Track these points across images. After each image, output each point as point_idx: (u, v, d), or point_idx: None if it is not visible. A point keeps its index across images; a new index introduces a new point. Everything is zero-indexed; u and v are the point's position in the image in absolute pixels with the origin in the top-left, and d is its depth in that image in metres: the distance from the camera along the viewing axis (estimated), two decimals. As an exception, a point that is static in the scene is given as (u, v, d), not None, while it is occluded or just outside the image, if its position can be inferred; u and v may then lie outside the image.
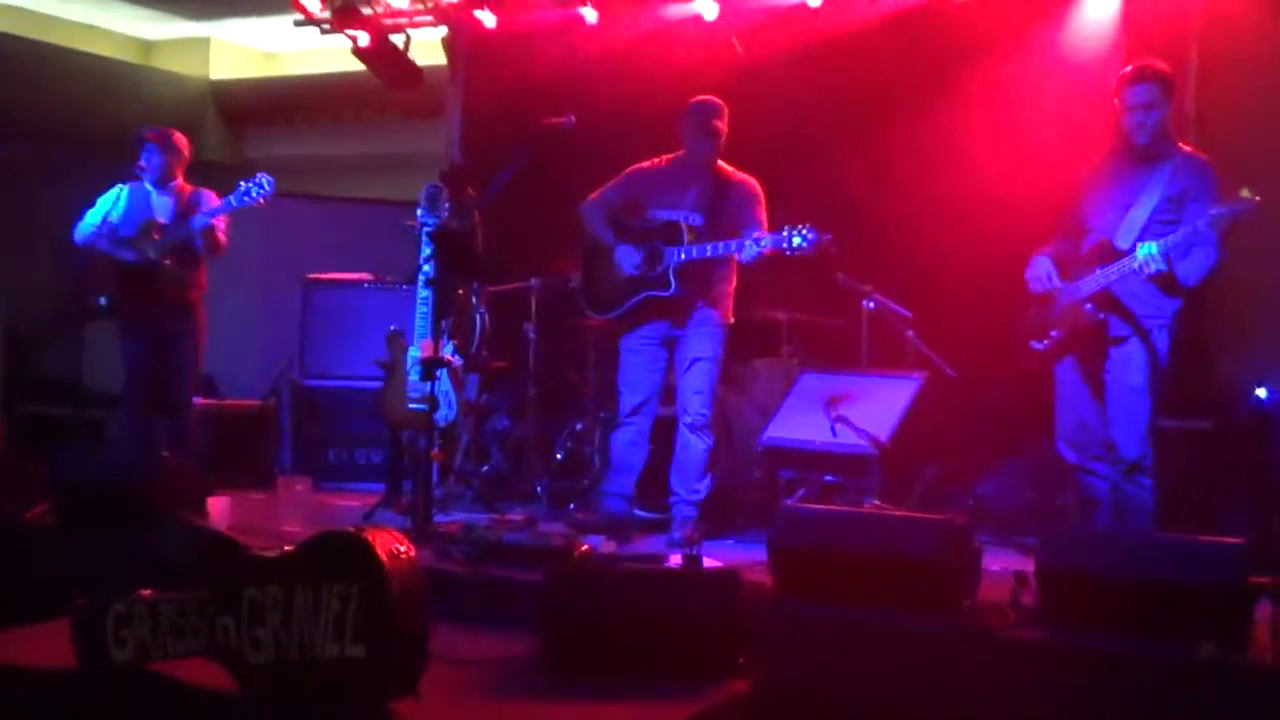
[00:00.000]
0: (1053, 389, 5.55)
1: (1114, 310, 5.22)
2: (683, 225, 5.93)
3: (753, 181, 6.07)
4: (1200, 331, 6.06)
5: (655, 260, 5.94)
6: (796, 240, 5.53)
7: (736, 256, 5.78)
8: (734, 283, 6.12)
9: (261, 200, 6.75)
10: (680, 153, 6.14)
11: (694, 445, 6.05)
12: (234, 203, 6.81)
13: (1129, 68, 5.27)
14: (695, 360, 6.02)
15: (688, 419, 6.05)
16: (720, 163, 6.11)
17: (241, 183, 6.77)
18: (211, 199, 7.02)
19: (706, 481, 6.09)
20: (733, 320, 6.13)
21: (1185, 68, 6.45)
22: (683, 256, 5.87)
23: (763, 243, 5.63)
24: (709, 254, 5.83)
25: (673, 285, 5.90)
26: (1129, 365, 5.22)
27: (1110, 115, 5.34)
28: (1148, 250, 4.96)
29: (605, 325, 6.38)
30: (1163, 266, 4.94)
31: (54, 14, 11.28)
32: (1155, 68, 5.22)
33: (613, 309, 6.13)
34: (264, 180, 6.71)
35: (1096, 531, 5.06)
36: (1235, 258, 5.17)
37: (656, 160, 6.22)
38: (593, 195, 6.24)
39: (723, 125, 6.02)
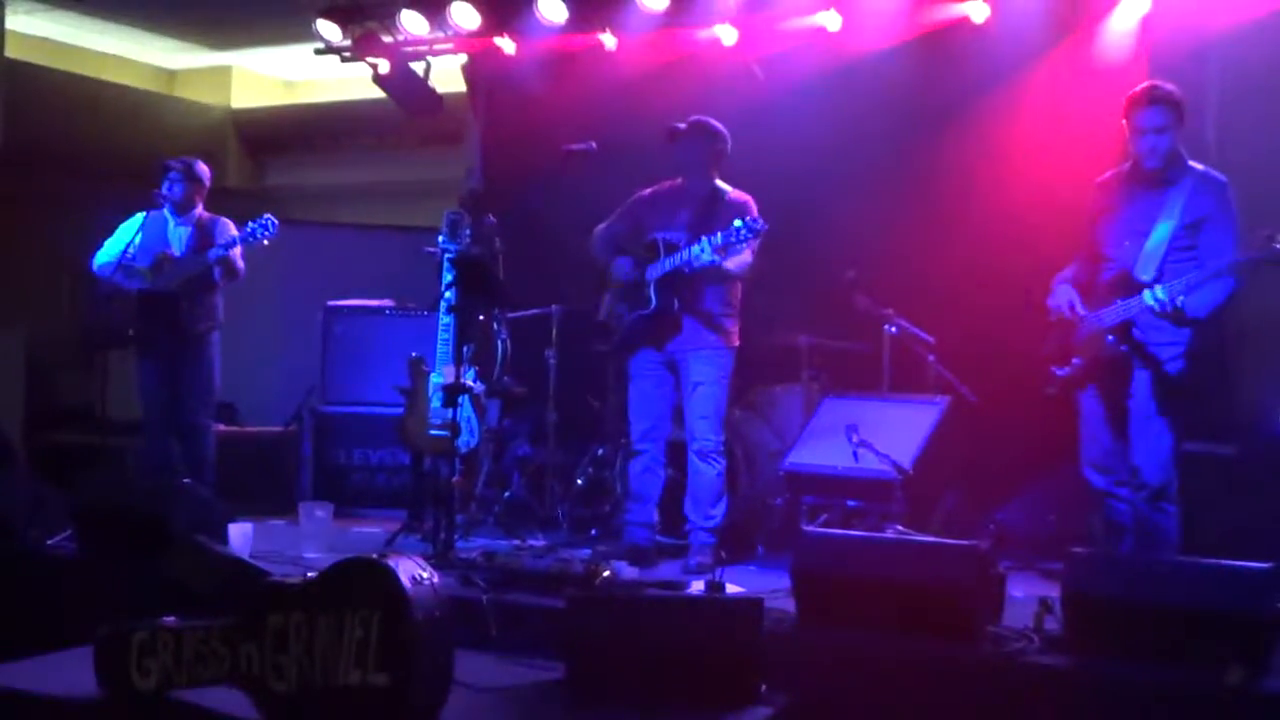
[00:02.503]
0: (1074, 414, 5.53)
1: (1134, 341, 5.19)
2: (660, 242, 6.02)
3: (746, 198, 6.09)
4: (1224, 357, 6.03)
5: (640, 278, 6.04)
6: (743, 232, 5.62)
7: (695, 263, 5.82)
8: (735, 304, 6.15)
9: (266, 241, 6.92)
10: (680, 179, 6.24)
11: (704, 472, 6.07)
12: (238, 241, 6.99)
13: (1138, 89, 5.24)
14: (697, 385, 6.06)
15: (695, 445, 6.08)
16: (718, 182, 6.17)
17: (249, 224, 6.92)
18: (229, 228, 7.11)
19: (722, 506, 6.11)
20: (738, 343, 6.15)
21: (1206, 90, 6.44)
22: (657, 272, 5.97)
23: (714, 240, 5.69)
24: (677, 264, 5.89)
25: (653, 301, 5.99)
26: (1150, 393, 5.19)
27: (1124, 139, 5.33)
28: (1157, 295, 4.96)
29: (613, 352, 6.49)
30: (1168, 309, 4.95)
31: (79, 44, 11.38)
32: (1165, 89, 5.17)
33: (616, 335, 6.24)
34: (269, 222, 6.89)
35: (1122, 557, 5.03)
36: (1259, 283, 5.14)
37: (660, 185, 6.30)
38: (600, 225, 6.35)
39: (708, 147, 6.11)
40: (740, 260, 5.91)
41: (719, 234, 5.68)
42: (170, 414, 7.12)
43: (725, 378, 6.10)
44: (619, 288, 6.19)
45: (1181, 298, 4.92)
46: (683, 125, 6.12)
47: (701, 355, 6.06)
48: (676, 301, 6.00)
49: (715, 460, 6.08)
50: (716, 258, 5.75)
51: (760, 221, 5.63)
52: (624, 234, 6.30)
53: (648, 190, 6.34)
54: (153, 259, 7.01)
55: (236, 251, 7.05)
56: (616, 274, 6.20)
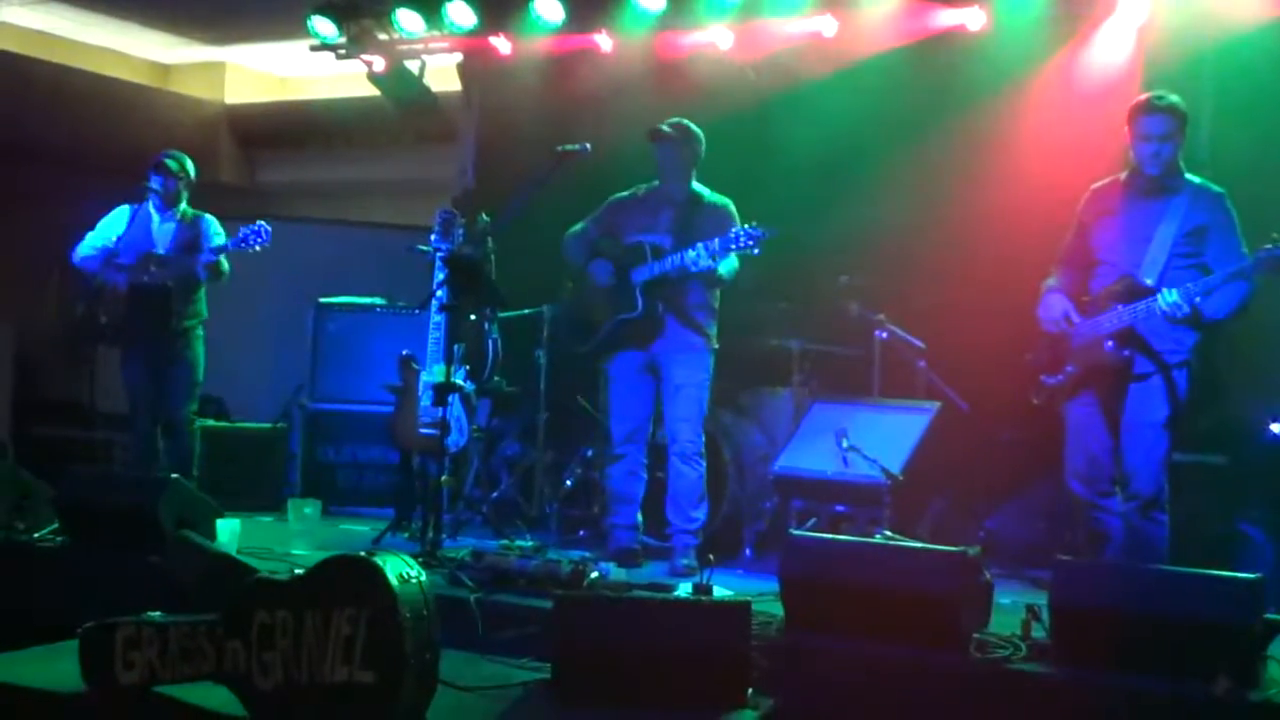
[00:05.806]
0: (1063, 423, 5.51)
1: (1137, 347, 5.14)
2: (646, 246, 6.02)
3: (726, 203, 6.11)
4: (1215, 366, 6.02)
5: (624, 282, 6.03)
6: (743, 238, 5.60)
7: (692, 268, 5.83)
8: (714, 307, 6.15)
9: (257, 248, 6.80)
10: (655, 181, 6.23)
11: (686, 474, 6.07)
12: (230, 247, 6.88)
13: (1142, 97, 5.25)
14: (680, 387, 6.06)
15: (677, 448, 6.08)
16: (696, 185, 6.17)
17: (241, 229, 6.82)
18: (214, 225, 7.08)
19: (703, 508, 6.12)
20: (717, 346, 6.16)
21: (1200, 99, 6.43)
22: (645, 275, 5.97)
23: (712, 245, 5.70)
24: (667, 268, 5.90)
25: (639, 305, 5.99)
26: (1150, 402, 5.15)
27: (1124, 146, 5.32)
28: (1172, 299, 4.91)
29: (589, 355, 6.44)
30: (1187, 312, 4.92)
31: (73, 37, 11.35)
32: (1169, 98, 5.18)
33: (591, 337, 6.22)
34: (263, 230, 6.77)
35: (1111, 566, 5.01)
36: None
37: (637, 189, 6.31)
38: (573, 228, 6.35)
39: (691, 150, 6.10)
40: (731, 266, 5.95)
41: (716, 240, 5.69)
42: (155, 409, 7.07)
43: (707, 380, 6.11)
44: (597, 291, 6.17)
45: (1199, 298, 4.90)
46: (666, 128, 6.11)
47: (684, 358, 6.06)
48: (661, 304, 6.01)
49: (697, 463, 6.08)
50: (713, 263, 5.78)
51: (760, 230, 5.59)
52: (598, 238, 6.30)
53: (624, 193, 6.34)
54: (137, 257, 6.94)
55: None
56: (595, 277, 6.18)
